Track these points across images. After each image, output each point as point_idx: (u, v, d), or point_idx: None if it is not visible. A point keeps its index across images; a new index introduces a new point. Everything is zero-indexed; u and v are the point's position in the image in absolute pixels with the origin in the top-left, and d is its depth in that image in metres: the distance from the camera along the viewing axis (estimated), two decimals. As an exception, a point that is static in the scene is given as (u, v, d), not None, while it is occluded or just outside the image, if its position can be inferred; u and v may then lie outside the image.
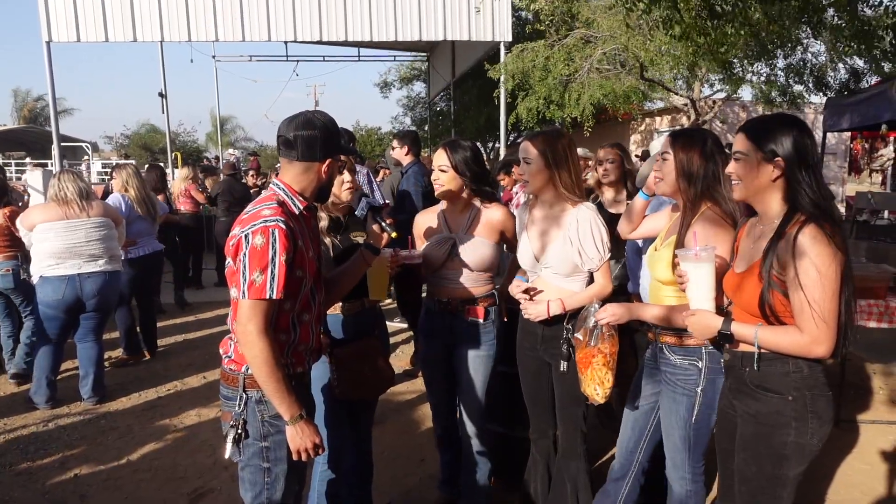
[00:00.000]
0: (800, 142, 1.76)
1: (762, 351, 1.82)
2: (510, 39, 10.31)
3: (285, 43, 17.13)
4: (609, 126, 12.05)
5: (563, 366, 2.52)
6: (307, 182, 1.97)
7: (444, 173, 2.68)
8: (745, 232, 1.99)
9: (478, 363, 2.74)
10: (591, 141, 11.75)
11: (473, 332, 2.73)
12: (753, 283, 1.82)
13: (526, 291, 2.57)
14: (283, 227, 1.83)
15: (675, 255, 2.11)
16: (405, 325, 6.09)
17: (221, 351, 2.04)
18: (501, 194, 5.95)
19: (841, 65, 7.43)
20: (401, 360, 5.43)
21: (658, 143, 2.95)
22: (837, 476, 3.41)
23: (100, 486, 3.40)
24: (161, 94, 16.39)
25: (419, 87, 26.16)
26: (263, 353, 1.82)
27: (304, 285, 1.96)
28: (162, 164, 9.41)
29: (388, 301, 6.30)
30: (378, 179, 7.76)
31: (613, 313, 2.23)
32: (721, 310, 1.98)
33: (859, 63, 8.50)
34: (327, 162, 1.96)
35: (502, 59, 10.35)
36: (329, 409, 2.55)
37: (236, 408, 1.96)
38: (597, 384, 2.28)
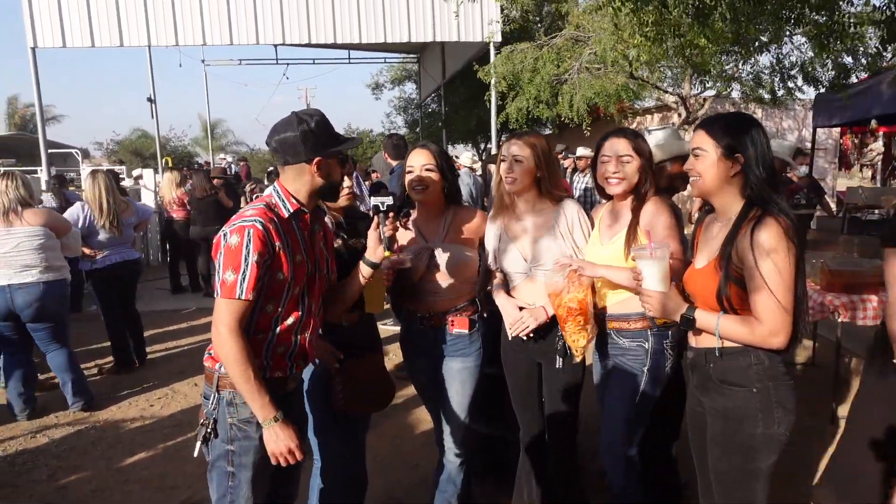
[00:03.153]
0: (757, 139, 1.83)
1: (724, 346, 1.86)
2: (500, 40, 10.31)
3: (274, 46, 17.05)
4: (602, 125, 12.06)
5: (559, 362, 2.52)
6: (300, 184, 1.94)
7: (431, 173, 2.51)
8: (703, 228, 2.04)
9: (465, 376, 2.63)
10: (590, 140, 11.77)
11: (460, 345, 2.62)
12: (712, 277, 1.87)
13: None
14: (260, 227, 1.81)
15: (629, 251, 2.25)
16: (398, 329, 6.05)
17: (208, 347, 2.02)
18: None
19: (829, 61, 7.45)
20: (393, 362, 5.40)
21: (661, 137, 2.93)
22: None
23: (88, 497, 3.36)
24: (150, 100, 16.31)
25: (410, 88, 26.16)
26: (233, 352, 1.79)
27: (287, 289, 1.92)
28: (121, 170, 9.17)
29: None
30: (367, 183, 7.73)
31: (581, 264, 2.32)
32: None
33: (847, 59, 8.52)
34: (316, 161, 1.90)
35: (492, 59, 10.34)
36: (322, 418, 2.50)
37: (209, 406, 1.94)
38: (575, 336, 2.36)
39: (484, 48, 10.61)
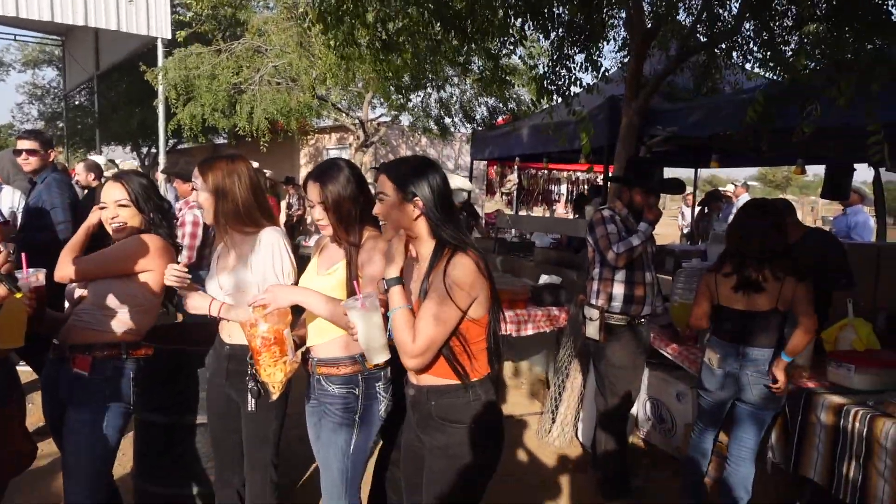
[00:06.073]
0: (434, 182, 1.89)
1: (443, 384, 1.90)
2: (169, 36, 9.37)
3: None
4: (280, 142, 11.85)
5: (251, 403, 2.30)
6: None
7: (125, 208, 2.36)
8: (412, 275, 2.03)
9: (81, 430, 2.24)
10: (268, 156, 11.39)
11: (77, 389, 2.25)
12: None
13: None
14: None
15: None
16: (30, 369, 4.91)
17: None
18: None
19: (485, 104, 8.61)
20: (33, 414, 4.36)
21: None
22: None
23: None
24: None
25: (50, 75, 22.16)
26: None
27: None
28: None
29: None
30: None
31: (268, 296, 2.11)
32: (393, 349, 1.98)
33: (493, 102, 9.95)
34: None
35: (160, 59, 9.32)
36: None
37: None
38: (271, 370, 2.15)
39: (149, 42, 9.51)
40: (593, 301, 3.47)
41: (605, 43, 5.24)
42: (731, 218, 3.62)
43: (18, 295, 1.69)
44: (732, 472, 3.05)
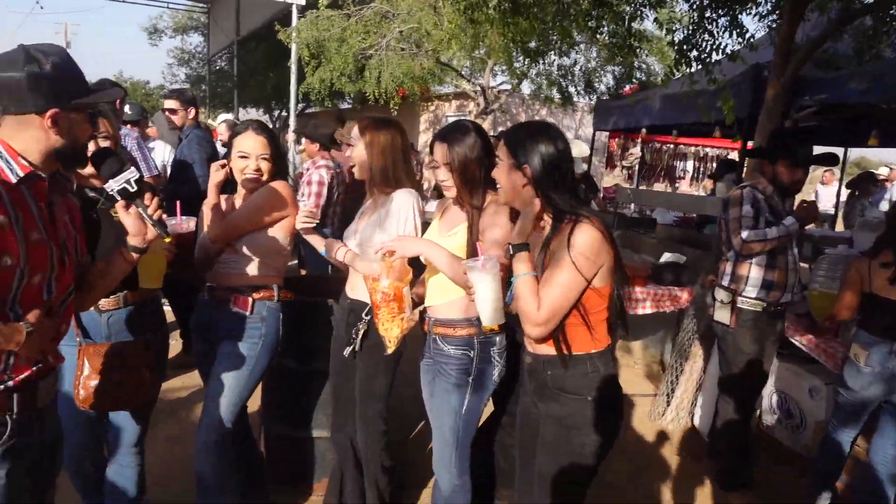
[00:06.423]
0: (547, 149, 1.83)
1: (564, 354, 1.85)
2: (304, 3, 9.71)
3: (26, -33, 14.24)
4: (404, 107, 12.06)
5: (346, 350, 2.44)
6: (28, 142, 1.46)
7: (266, 162, 2.41)
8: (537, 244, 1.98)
9: (238, 365, 2.40)
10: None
11: (237, 328, 2.40)
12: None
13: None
14: None
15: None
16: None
17: None
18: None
19: (610, 71, 8.25)
20: (173, 349, 4.80)
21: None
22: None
23: None
24: None
25: (197, 41, 23.77)
26: None
27: (20, 278, 1.45)
28: None
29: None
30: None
31: (395, 244, 2.14)
32: (509, 315, 1.97)
33: (619, 71, 9.50)
34: (51, 114, 1.45)
35: (294, 22, 9.70)
36: (70, 416, 2.11)
37: None
38: (388, 325, 2.20)
39: (285, 9, 9.91)
40: (725, 283, 3.24)
41: (753, 5, 4.83)
42: (883, 203, 3.24)
43: (168, 239, 1.78)
44: (871, 478, 2.79)
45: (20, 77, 1.41)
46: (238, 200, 2.53)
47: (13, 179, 1.45)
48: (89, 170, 1.89)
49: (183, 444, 3.45)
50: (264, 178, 2.43)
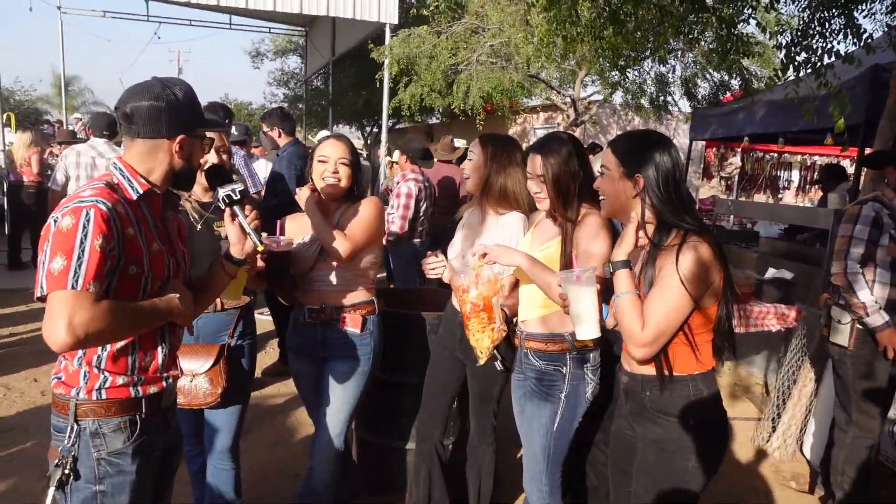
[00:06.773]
0: (661, 159, 1.74)
1: (663, 374, 1.76)
2: (396, 22, 9.97)
3: (146, 0, 15.49)
4: (491, 120, 12.12)
5: (497, 364, 2.42)
6: (154, 164, 1.59)
7: (345, 167, 2.41)
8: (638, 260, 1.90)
9: (350, 379, 2.46)
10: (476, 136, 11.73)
11: (349, 345, 2.44)
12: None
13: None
14: (103, 207, 1.44)
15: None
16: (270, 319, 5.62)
17: (53, 371, 1.61)
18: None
19: (708, 77, 7.91)
20: (271, 356, 5.00)
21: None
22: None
23: None
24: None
25: (295, 62, 24.90)
26: (97, 329, 1.38)
27: (144, 285, 1.57)
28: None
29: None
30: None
31: (493, 250, 2.13)
32: (605, 330, 1.93)
33: (718, 78, 9.08)
34: (179, 139, 1.58)
35: (387, 41, 9.99)
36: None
37: (65, 442, 1.54)
38: (479, 336, 2.20)
39: (378, 29, 10.22)
40: (843, 302, 3.00)
41: (869, 3, 4.49)
42: None
43: (260, 248, 1.84)
44: None
45: (160, 106, 1.54)
46: (295, 220, 2.52)
47: (134, 196, 1.57)
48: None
49: (279, 449, 3.58)
50: (342, 183, 2.40)
